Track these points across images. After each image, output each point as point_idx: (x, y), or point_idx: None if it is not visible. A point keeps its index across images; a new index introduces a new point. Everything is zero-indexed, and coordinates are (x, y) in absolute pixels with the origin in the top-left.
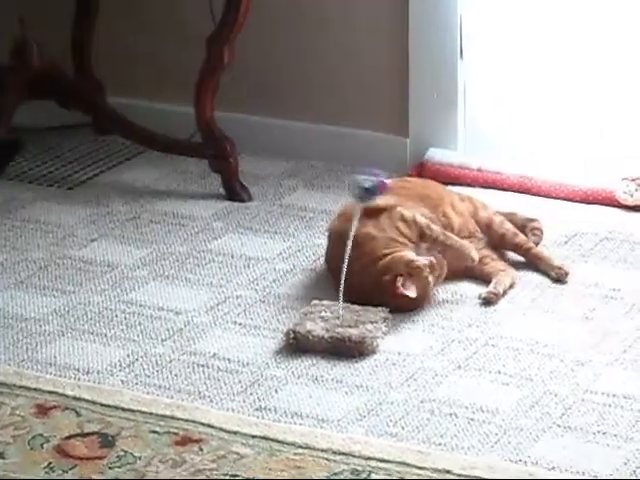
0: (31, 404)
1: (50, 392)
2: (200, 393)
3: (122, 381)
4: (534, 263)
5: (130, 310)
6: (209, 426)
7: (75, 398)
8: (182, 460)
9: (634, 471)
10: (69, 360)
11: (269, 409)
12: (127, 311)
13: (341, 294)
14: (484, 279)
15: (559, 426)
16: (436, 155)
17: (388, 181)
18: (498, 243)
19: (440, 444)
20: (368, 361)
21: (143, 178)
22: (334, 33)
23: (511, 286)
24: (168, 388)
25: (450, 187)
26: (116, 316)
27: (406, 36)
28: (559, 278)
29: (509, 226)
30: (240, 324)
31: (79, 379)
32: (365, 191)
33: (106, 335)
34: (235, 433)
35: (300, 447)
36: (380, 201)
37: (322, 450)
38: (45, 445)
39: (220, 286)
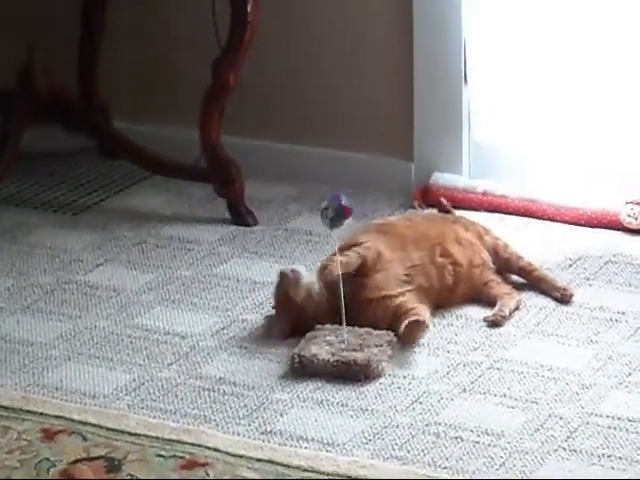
0: (37, 428)
1: (56, 416)
2: (206, 417)
3: (128, 405)
4: (538, 286)
5: (136, 334)
6: (215, 450)
7: (81, 422)
8: None
9: None
10: (75, 384)
11: (275, 433)
12: (133, 335)
13: (344, 317)
14: (489, 302)
15: (564, 449)
16: (441, 179)
17: (347, 202)
18: (503, 267)
19: (445, 467)
20: (373, 385)
21: (149, 203)
22: (339, 58)
23: (516, 309)
24: (174, 412)
25: (455, 211)
26: (122, 340)
27: (411, 61)
28: (563, 299)
29: (513, 250)
30: (246, 348)
31: (85, 403)
32: (331, 221)
33: (112, 359)
34: (241, 457)
35: (306, 470)
36: (363, 238)
37: (328, 474)
38: (51, 470)
39: (226, 310)
